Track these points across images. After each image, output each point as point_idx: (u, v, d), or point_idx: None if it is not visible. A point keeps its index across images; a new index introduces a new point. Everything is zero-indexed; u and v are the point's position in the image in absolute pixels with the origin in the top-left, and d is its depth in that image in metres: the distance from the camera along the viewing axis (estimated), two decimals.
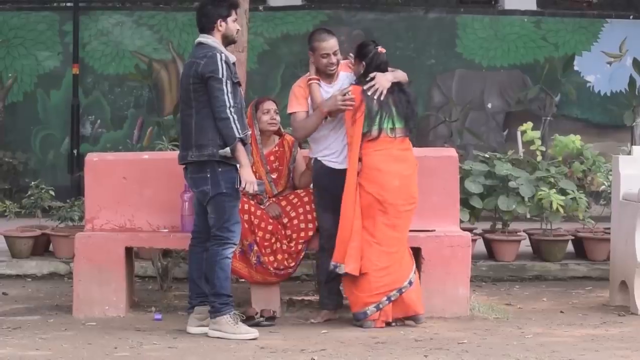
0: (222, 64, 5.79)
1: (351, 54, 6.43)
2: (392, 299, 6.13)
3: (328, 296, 6.36)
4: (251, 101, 6.79)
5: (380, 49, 6.26)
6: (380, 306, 6.12)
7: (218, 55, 5.82)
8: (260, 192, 6.03)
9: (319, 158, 6.30)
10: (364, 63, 6.24)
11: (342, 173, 6.13)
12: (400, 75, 6.28)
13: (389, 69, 6.30)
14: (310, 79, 6.34)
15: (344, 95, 6.12)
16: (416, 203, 6.23)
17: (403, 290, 6.14)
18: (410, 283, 6.16)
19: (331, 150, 6.26)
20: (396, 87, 6.22)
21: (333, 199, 6.17)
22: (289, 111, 6.33)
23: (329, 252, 6.21)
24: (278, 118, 6.56)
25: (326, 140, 6.27)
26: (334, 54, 6.32)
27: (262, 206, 6.40)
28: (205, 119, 5.80)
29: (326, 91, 6.29)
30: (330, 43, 6.33)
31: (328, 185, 6.21)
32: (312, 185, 6.44)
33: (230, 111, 5.74)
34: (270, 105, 6.56)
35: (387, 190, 6.10)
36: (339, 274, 6.11)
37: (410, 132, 6.26)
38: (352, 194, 6.09)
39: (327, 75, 6.36)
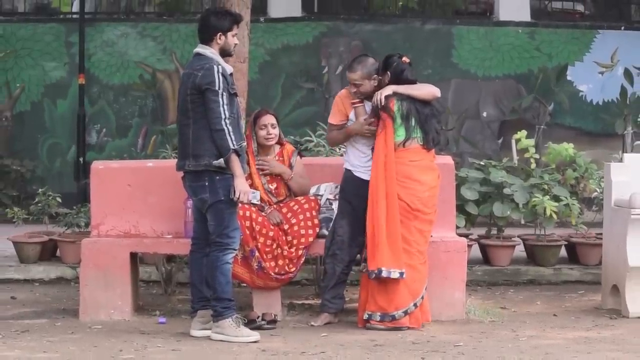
0: (219, 76, 5.79)
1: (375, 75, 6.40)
2: (418, 304, 6.19)
3: (331, 300, 6.39)
4: (252, 111, 6.84)
5: (404, 58, 6.32)
6: (408, 311, 6.16)
7: (215, 67, 5.82)
8: (255, 202, 6.06)
9: (349, 168, 6.39)
10: (388, 73, 6.27)
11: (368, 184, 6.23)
12: (420, 92, 6.26)
13: (420, 83, 6.33)
14: (354, 103, 6.35)
15: (369, 124, 6.23)
16: (436, 212, 6.32)
17: (423, 296, 6.22)
18: (425, 289, 6.25)
19: (361, 162, 6.35)
20: (418, 102, 6.23)
21: (354, 209, 6.27)
22: (328, 120, 6.52)
23: (338, 257, 6.30)
24: (275, 132, 6.57)
25: (360, 152, 6.36)
26: (355, 85, 6.32)
27: (263, 213, 6.45)
28: (202, 129, 5.81)
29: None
30: (352, 75, 6.34)
31: (353, 195, 6.30)
32: (338, 192, 6.54)
33: (226, 123, 5.75)
34: (267, 120, 6.56)
35: (419, 199, 6.18)
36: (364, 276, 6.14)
37: (433, 144, 6.29)
38: (383, 201, 6.09)
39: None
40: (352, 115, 6.40)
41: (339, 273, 6.38)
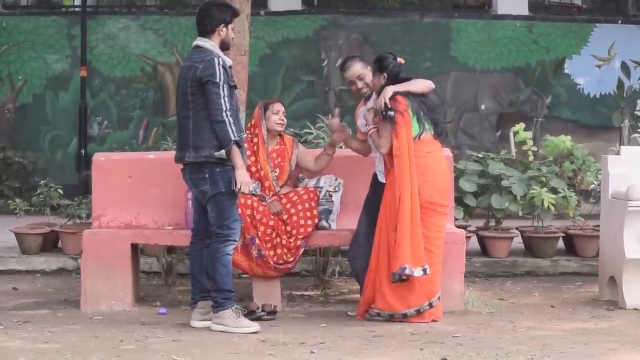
0: (220, 68, 5.80)
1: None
2: (433, 305, 6.14)
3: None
4: (253, 103, 6.90)
5: (399, 59, 6.35)
6: (421, 310, 6.12)
7: (215, 59, 5.82)
8: (255, 193, 6.06)
9: (376, 172, 6.45)
10: (385, 74, 6.28)
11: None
12: (417, 87, 6.30)
13: (413, 79, 6.36)
14: (370, 130, 6.35)
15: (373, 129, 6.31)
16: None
17: (440, 297, 6.17)
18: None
19: (379, 168, 6.41)
20: (419, 96, 6.26)
21: (372, 209, 6.29)
22: None
23: (357, 262, 6.31)
24: (285, 119, 6.71)
25: (377, 159, 6.43)
26: (359, 78, 6.42)
27: (263, 203, 6.50)
28: (203, 121, 5.82)
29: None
30: (352, 71, 6.43)
31: (375, 196, 6.34)
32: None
33: (227, 114, 5.76)
34: (280, 106, 6.68)
35: (438, 192, 6.17)
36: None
37: (441, 135, 6.32)
38: (408, 199, 6.05)
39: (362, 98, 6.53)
40: (360, 123, 6.49)
41: (362, 279, 6.36)
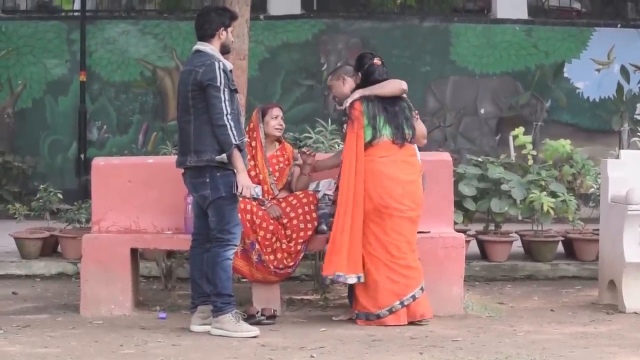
0: (220, 72, 5.82)
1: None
2: (406, 303, 6.18)
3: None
4: (253, 107, 6.90)
5: (376, 60, 6.36)
6: (393, 310, 6.17)
7: (216, 63, 5.84)
8: (257, 196, 6.07)
9: None
10: (359, 74, 6.36)
11: None
12: (386, 90, 6.31)
13: (390, 79, 6.38)
14: None
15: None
16: (421, 208, 6.28)
17: (417, 297, 6.20)
18: (422, 289, 6.23)
19: None
20: (388, 99, 6.28)
21: None
22: None
23: None
24: (284, 124, 6.74)
25: None
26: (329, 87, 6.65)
27: (263, 207, 6.50)
28: (204, 125, 5.83)
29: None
30: (328, 80, 6.67)
31: None
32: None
33: (228, 118, 5.78)
34: (278, 111, 6.71)
35: (391, 196, 6.16)
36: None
37: (406, 140, 6.29)
38: (346, 202, 6.15)
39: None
40: None
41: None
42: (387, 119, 6.26)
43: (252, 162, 6.56)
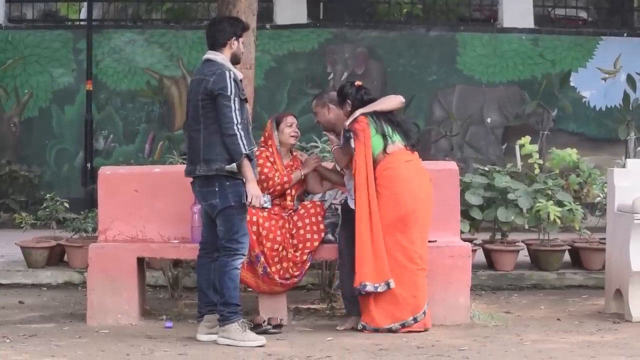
0: (231, 82, 5.83)
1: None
2: (418, 320, 6.20)
3: (353, 301, 6.35)
4: (260, 116, 6.93)
5: (356, 83, 6.44)
6: (406, 324, 6.19)
7: (227, 72, 5.86)
8: (266, 206, 6.08)
9: (347, 197, 6.48)
10: (348, 101, 6.37)
11: None
12: (384, 105, 6.37)
13: (381, 98, 6.46)
14: (333, 147, 6.61)
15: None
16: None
17: (425, 312, 6.22)
18: (427, 304, 6.24)
19: (349, 186, 6.46)
20: (388, 113, 6.35)
21: (348, 238, 6.31)
22: None
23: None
24: (299, 132, 6.79)
25: (347, 176, 6.52)
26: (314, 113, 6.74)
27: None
28: (214, 134, 5.84)
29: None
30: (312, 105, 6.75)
31: (346, 224, 6.38)
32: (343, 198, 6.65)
33: (238, 128, 5.79)
34: (293, 119, 6.78)
35: (418, 200, 6.18)
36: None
37: (414, 146, 6.35)
38: (366, 214, 6.13)
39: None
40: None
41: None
42: (394, 128, 6.31)
43: (268, 164, 6.62)
